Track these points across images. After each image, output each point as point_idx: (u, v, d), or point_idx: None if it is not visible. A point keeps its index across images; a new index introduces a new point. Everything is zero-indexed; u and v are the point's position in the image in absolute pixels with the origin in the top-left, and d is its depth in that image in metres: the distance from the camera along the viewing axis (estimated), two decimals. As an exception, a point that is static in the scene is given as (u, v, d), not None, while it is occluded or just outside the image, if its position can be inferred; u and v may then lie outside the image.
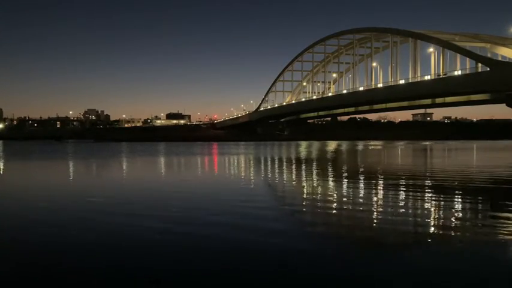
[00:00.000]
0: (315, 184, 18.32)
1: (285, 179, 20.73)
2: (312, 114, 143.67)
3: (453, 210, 11.61)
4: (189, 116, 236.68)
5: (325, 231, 9.31)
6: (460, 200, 13.44)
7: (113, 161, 37.61)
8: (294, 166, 29.25)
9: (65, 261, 7.09)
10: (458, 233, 8.96)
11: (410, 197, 14.22)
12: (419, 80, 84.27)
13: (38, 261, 7.10)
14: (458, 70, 76.20)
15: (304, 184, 18.56)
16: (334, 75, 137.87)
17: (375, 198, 14.02)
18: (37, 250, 7.80)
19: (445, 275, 6.30)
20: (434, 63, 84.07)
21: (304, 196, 15.14)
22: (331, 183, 18.60)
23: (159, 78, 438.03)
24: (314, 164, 30.50)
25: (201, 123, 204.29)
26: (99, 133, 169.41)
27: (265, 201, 14.03)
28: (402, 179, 19.68)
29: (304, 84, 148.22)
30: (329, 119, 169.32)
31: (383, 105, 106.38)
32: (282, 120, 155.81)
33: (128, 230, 9.31)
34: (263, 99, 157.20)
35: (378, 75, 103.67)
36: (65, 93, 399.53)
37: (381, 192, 15.68)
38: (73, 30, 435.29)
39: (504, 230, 9.04)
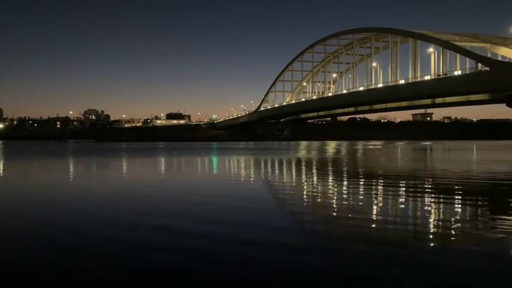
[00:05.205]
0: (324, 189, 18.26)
1: (284, 182, 20.66)
2: (312, 114, 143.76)
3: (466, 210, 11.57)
4: (189, 116, 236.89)
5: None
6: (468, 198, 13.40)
7: (106, 160, 37.57)
8: (293, 168, 29.20)
9: (63, 262, 7.06)
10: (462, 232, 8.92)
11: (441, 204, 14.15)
12: (419, 80, 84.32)
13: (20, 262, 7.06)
14: (458, 70, 76.26)
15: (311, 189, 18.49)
16: (334, 75, 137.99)
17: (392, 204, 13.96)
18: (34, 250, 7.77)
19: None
20: (434, 63, 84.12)
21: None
22: (335, 187, 18.55)
23: (159, 78, 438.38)
24: (316, 166, 30.45)
25: (201, 123, 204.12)
26: (99, 133, 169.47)
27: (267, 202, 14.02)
28: (419, 182, 19.62)
29: (304, 84, 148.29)
30: (329, 119, 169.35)
31: (383, 105, 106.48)
32: (282, 120, 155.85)
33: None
34: (263, 99, 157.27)
35: (378, 75, 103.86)
36: (65, 93, 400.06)
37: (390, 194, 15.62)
38: (73, 30, 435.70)
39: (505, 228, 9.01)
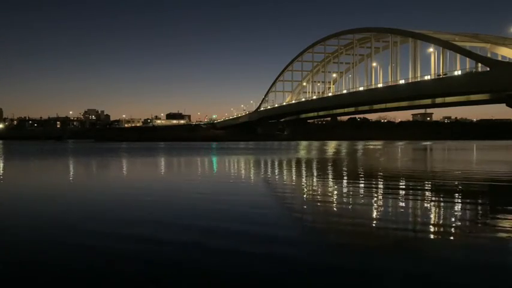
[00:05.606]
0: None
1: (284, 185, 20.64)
2: (312, 114, 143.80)
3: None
4: (189, 116, 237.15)
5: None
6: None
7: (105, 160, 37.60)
8: (293, 169, 29.20)
9: (63, 261, 7.05)
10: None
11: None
12: (419, 80, 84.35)
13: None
14: (458, 70, 76.30)
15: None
16: (334, 75, 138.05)
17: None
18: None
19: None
20: (434, 63, 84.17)
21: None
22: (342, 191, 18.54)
23: (159, 78, 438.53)
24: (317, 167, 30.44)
25: (201, 123, 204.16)
26: (99, 133, 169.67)
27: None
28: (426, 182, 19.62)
29: (304, 84, 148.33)
30: (329, 119, 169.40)
31: (383, 105, 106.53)
32: (282, 120, 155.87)
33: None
34: (263, 99, 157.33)
35: (378, 75, 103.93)
36: (65, 93, 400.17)
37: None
38: (73, 30, 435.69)
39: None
